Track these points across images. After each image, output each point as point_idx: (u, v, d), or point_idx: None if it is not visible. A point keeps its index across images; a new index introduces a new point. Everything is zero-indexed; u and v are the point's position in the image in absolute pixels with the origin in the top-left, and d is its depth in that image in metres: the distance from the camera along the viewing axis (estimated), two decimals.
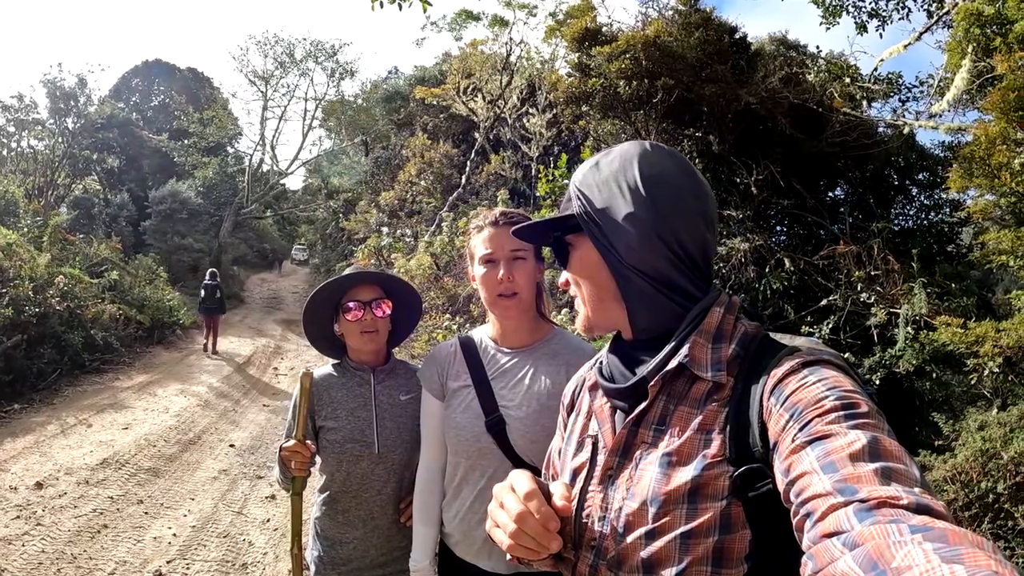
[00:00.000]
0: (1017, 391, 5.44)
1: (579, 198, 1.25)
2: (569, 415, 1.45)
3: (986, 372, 5.31)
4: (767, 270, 8.06)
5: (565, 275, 1.33)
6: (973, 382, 5.62)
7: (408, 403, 2.45)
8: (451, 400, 2.13)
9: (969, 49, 6.09)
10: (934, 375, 6.28)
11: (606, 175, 1.23)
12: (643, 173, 1.20)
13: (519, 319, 2.09)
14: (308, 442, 2.29)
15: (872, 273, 7.31)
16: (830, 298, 7.55)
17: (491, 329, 2.19)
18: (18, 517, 5.51)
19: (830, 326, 7.30)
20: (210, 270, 16.90)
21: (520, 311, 2.06)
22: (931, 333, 6.01)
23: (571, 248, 1.30)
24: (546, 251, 2.32)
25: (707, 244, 1.21)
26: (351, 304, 2.40)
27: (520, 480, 1.12)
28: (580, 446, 1.31)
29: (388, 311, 2.45)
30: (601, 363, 1.31)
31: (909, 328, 6.44)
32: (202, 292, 15.73)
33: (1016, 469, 4.71)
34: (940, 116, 7.54)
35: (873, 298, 7.15)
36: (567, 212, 1.28)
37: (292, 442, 2.26)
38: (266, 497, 6.62)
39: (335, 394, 2.45)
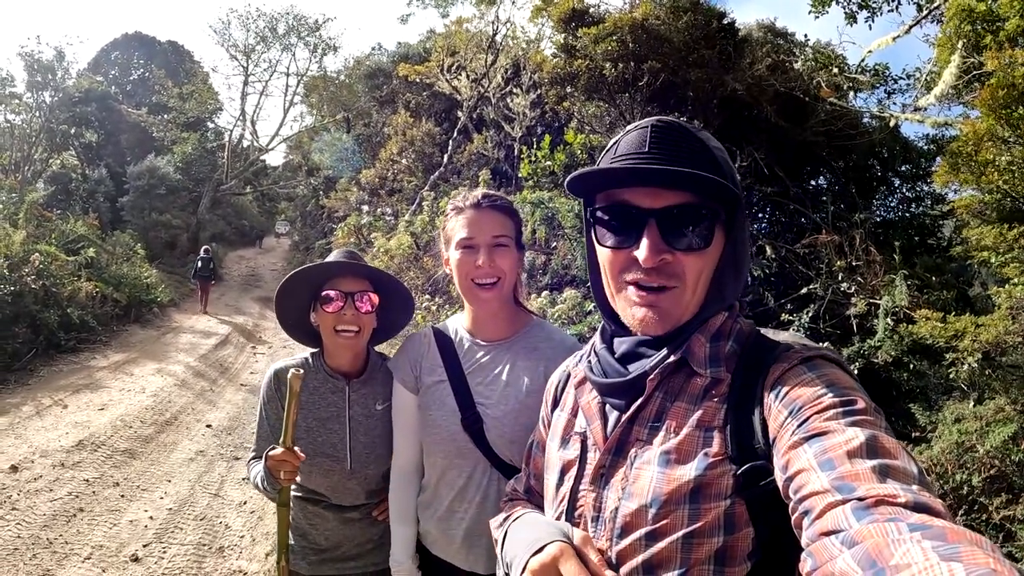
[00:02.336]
0: (994, 385, 5.50)
1: (731, 181, 1.12)
2: (553, 411, 1.42)
3: (965, 366, 5.37)
4: None
5: (662, 255, 1.10)
6: (951, 375, 5.68)
7: (383, 413, 2.28)
8: (425, 396, 2.03)
9: (959, 45, 6.11)
10: (911, 366, 6.33)
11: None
12: None
13: (496, 309, 1.98)
14: (296, 449, 2.06)
15: (853, 263, 7.36)
16: (811, 287, 7.60)
17: (466, 319, 2.08)
18: None
19: (810, 315, 7.34)
20: (204, 247, 20.58)
21: (499, 301, 1.95)
22: (910, 325, 6.06)
23: (712, 225, 1.12)
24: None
25: None
26: (331, 293, 2.17)
27: (569, 568, 1.04)
28: (565, 443, 1.29)
29: (373, 306, 2.22)
30: (591, 360, 1.27)
31: (889, 319, 6.49)
32: (198, 264, 18.95)
33: (991, 462, 4.78)
34: (926, 110, 7.57)
35: (853, 288, 7.20)
36: (726, 184, 1.08)
37: (280, 450, 2.04)
38: (243, 479, 6.57)
39: (305, 398, 2.24)
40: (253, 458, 2.31)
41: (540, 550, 1.09)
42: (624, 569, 1.07)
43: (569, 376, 1.40)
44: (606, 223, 1.16)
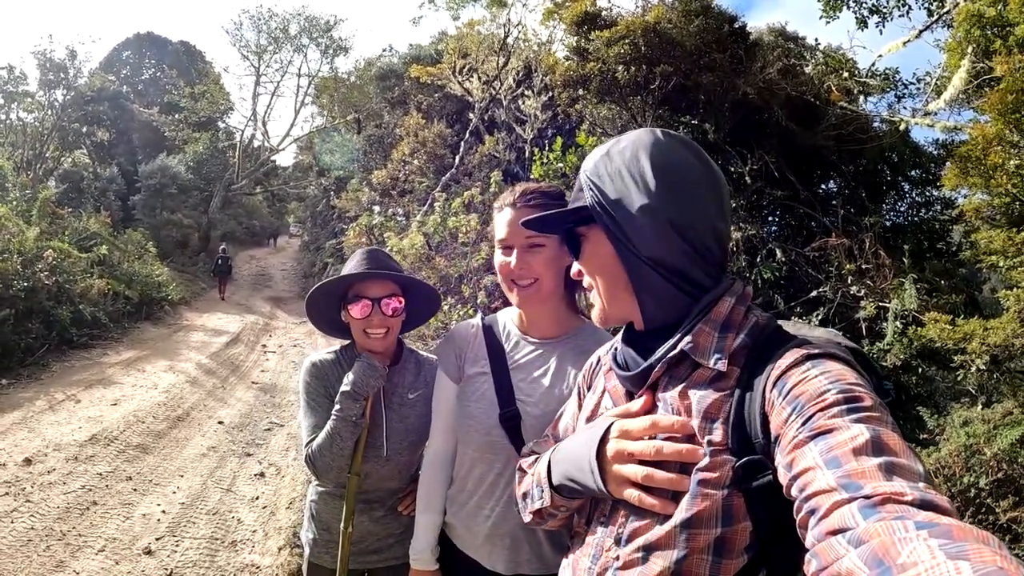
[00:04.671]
0: (1002, 389, 5.49)
1: (591, 188, 1.21)
2: (587, 392, 1.47)
3: (973, 369, 5.36)
4: (758, 260, 8.09)
5: (577, 266, 1.30)
6: (959, 378, 5.67)
7: (416, 401, 2.35)
8: (466, 386, 2.00)
9: (969, 50, 6.11)
10: (920, 370, 6.33)
11: (618, 165, 1.19)
12: (656, 163, 1.16)
13: (539, 309, 1.94)
14: None
15: (863, 267, 7.34)
16: (820, 290, 7.58)
17: (516, 314, 2.05)
18: (7, 494, 5.49)
19: (819, 318, 7.33)
20: (221, 246, 24.04)
21: (538, 301, 1.90)
22: (919, 329, 6.05)
23: (583, 239, 1.27)
24: None
25: (722, 234, 1.19)
26: (357, 298, 2.23)
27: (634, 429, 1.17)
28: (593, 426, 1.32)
29: (399, 308, 2.27)
30: (616, 350, 1.31)
31: (898, 322, 6.48)
32: (218, 261, 22.89)
33: (999, 465, 4.78)
34: (936, 114, 7.56)
35: (863, 291, 7.18)
36: (579, 203, 1.23)
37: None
38: (255, 475, 6.63)
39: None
40: (310, 441, 2.27)
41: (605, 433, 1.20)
42: (629, 548, 1.11)
43: (600, 362, 1.45)
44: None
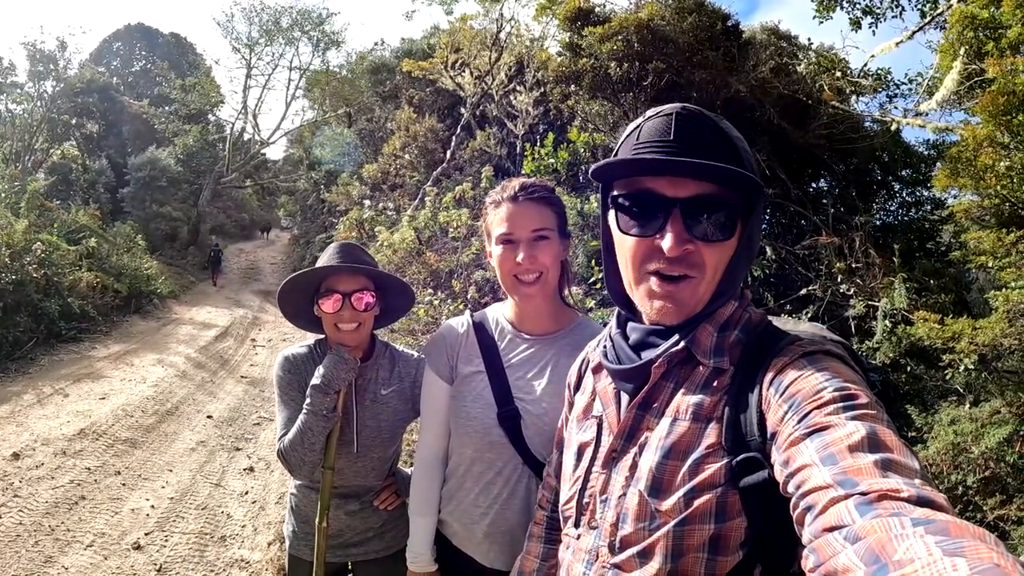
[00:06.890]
0: (989, 388, 5.53)
1: (752, 172, 1.11)
2: (575, 393, 1.46)
3: (961, 368, 5.40)
4: None
5: (686, 245, 1.09)
6: (948, 377, 5.71)
7: (388, 397, 2.33)
8: (461, 386, 1.95)
9: (961, 51, 6.14)
10: (908, 368, 6.36)
11: (747, 146, 1.15)
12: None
13: (541, 304, 1.89)
14: None
15: (853, 265, 7.38)
16: (810, 288, 7.62)
17: (509, 310, 1.99)
18: None
19: (809, 316, 7.36)
20: (215, 242, 26.84)
21: (544, 296, 1.86)
22: (908, 328, 6.08)
23: (735, 216, 1.12)
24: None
25: None
26: (329, 292, 2.19)
27: None
28: (583, 425, 1.32)
29: (371, 302, 2.23)
30: (606, 345, 1.29)
31: (887, 321, 6.51)
32: (211, 254, 25.16)
33: (986, 464, 4.82)
34: (927, 115, 7.59)
35: (853, 290, 7.21)
36: (747, 175, 1.06)
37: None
38: (244, 469, 6.61)
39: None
40: (283, 435, 2.25)
41: None
42: (625, 553, 1.11)
43: (588, 361, 1.42)
44: (628, 210, 1.14)
